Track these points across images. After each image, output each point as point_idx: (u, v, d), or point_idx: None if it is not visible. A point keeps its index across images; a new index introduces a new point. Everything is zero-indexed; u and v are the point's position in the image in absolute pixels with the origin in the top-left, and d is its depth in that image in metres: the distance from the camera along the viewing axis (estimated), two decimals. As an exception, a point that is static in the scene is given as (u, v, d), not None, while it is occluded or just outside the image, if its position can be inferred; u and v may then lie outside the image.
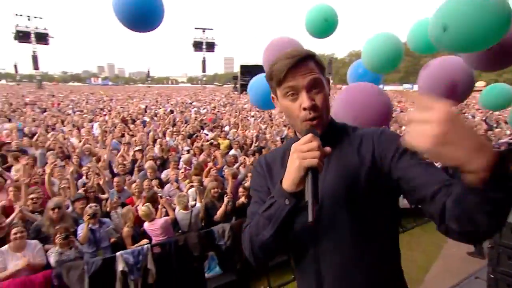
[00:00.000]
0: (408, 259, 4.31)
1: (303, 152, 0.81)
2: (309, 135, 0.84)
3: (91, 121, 10.97)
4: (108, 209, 4.13)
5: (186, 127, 9.48)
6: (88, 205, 3.64)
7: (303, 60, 0.92)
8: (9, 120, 10.68)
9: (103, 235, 3.64)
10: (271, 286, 4.15)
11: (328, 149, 0.83)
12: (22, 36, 43.25)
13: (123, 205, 4.34)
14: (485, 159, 0.59)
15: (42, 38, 44.71)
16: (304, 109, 0.92)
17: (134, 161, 5.95)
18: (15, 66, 63.07)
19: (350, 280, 0.92)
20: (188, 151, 6.62)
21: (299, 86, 0.92)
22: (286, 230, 0.89)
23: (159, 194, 4.33)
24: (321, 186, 0.86)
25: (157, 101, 22.34)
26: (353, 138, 0.99)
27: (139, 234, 4.01)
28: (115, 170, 5.40)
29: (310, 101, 0.91)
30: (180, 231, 4.13)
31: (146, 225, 3.87)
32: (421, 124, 0.57)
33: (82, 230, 3.47)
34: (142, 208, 3.82)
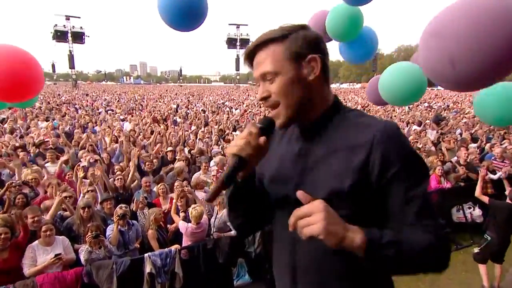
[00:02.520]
0: (464, 282, 4.05)
1: (237, 140, 0.89)
2: (250, 126, 0.92)
3: (123, 120, 11.64)
4: (134, 208, 4.33)
5: (218, 127, 9.69)
6: (118, 206, 3.84)
7: (257, 49, 0.96)
8: (46, 119, 11.63)
9: (132, 237, 3.82)
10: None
11: (262, 139, 0.89)
12: (60, 36, 46.86)
13: (150, 205, 4.55)
14: (357, 237, 0.78)
15: (78, 37, 48.11)
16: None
17: (163, 161, 6.19)
18: (53, 66, 68.35)
19: (325, 268, 0.94)
20: (216, 153, 6.72)
21: (257, 78, 0.99)
22: (237, 207, 1.05)
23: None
24: (305, 173, 0.96)
25: (188, 100, 23.09)
26: (351, 128, 0.94)
27: (164, 238, 4.15)
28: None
29: (260, 94, 0.97)
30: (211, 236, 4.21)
31: (192, 227, 3.93)
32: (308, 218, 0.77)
33: (111, 231, 3.68)
34: (198, 209, 3.92)
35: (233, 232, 4.09)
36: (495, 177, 5.73)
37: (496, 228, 3.97)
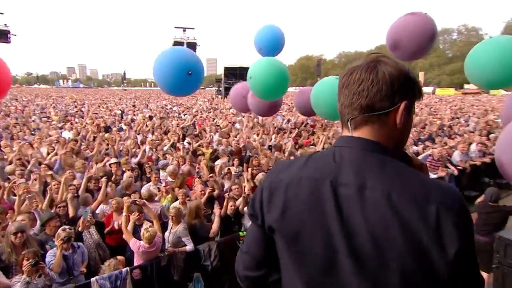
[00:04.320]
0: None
1: None
2: None
3: (60, 128, 10.67)
4: (80, 229, 3.95)
5: (168, 135, 9.35)
6: (61, 228, 3.47)
7: None
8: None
9: (77, 261, 3.48)
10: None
11: None
12: (-20, 34, 41.70)
13: (97, 224, 4.20)
14: None
15: (3, 35, 43.00)
16: None
17: (108, 174, 5.77)
18: (-27, 67, 60.61)
19: None
20: (164, 165, 6.42)
21: None
22: None
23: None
24: None
25: (134, 105, 22.00)
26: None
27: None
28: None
29: None
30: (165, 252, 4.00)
31: (145, 246, 3.66)
32: None
33: (52, 256, 3.30)
34: (150, 230, 3.67)
35: (188, 248, 3.94)
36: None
37: None
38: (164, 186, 5.24)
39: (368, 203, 0.77)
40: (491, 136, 9.43)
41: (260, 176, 5.55)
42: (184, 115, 15.92)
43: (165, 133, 10.01)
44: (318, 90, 4.83)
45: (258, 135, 9.40)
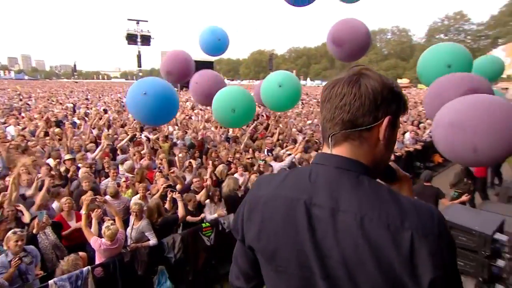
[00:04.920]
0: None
1: None
2: None
3: (4, 123, 9.55)
4: (35, 231, 3.59)
5: (125, 128, 8.83)
6: (12, 231, 3.10)
7: None
8: None
9: (30, 266, 3.16)
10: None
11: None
12: None
13: (53, 224, 3.86)
14: None
15: None
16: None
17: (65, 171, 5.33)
18: None
19: None
20: (123, 160, 6.09)
21: None
22: None
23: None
24: None
25: (87, 99, 20.44)
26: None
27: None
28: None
29: None
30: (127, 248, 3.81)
31: (107, 243, 3.44)
32: None
33: (1, 267, 2.94)
34: (112, 228, 3.42)
35: (151, 242, 3.80)
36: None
37: None
38: (124, 181, 4.97)
39: (340, 227, 0.73)
40: (421, 125, 10.30)
41: (220, 167, 5.50)
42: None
43: (122, 126, 9.45)
44: (264, 83, 5.43)
45: (216, 128, 9.28)
